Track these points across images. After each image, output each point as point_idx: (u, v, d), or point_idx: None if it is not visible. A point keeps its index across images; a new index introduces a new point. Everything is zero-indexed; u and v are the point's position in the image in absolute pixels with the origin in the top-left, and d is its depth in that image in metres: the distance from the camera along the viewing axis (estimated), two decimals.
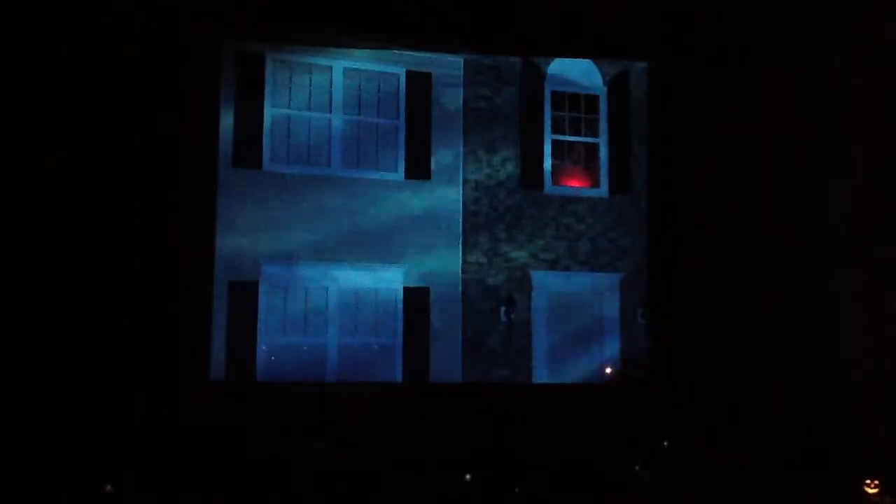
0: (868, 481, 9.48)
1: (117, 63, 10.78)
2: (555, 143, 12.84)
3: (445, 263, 12.32)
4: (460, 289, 12.32)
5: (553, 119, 12.85)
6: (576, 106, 12.98)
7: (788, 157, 11.50)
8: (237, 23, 11.59)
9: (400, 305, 12.15)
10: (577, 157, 12.94)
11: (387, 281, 12.13)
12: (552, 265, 12.61)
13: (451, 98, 12.52)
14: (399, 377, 12.07)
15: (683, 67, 12.37)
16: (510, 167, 12.62)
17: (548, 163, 12.78)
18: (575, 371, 12.56)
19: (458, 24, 11.85)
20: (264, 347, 11.67)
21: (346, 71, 12.23)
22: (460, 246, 12.38)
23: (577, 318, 12.66)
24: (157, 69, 11.03)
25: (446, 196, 12.39)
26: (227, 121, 11.67)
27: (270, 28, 11.71)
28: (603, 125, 12.98)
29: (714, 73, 12.11)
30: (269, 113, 11.90)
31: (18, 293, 10.09)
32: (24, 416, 9.89)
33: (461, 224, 12.40)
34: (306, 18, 11.63)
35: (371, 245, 12.07)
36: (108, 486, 9.25)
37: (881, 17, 10.36)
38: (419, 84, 12.41)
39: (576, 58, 12.85)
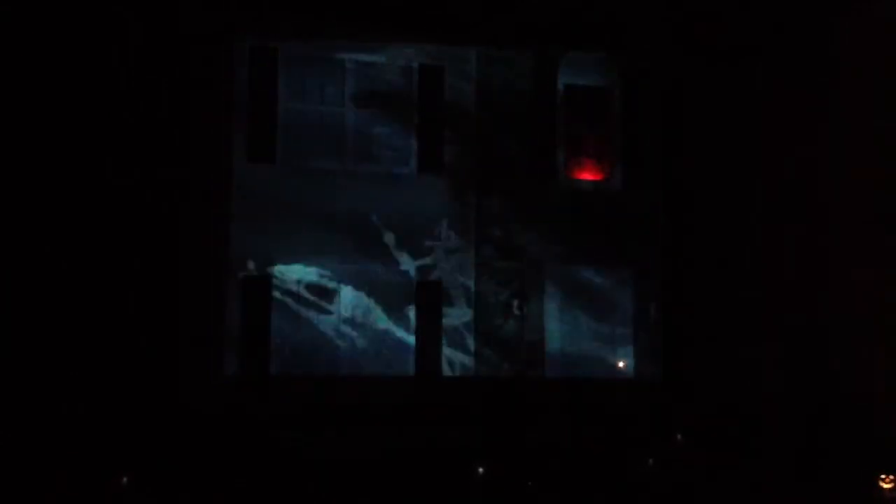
0: (883, 476, 9.45)
1: (129, 58, 10.84)
2: (568, 135, 12.78)
3: (459, 257, 12.31)
4: (473, 282, 12.30)
5: (566, 111, 12.79)
6: (590, 98, 12.92)
7: (798, 152, 11.47)
8: (248, 15, 11.63)
9: (413, 299, 12.15)
10: (591, 150, 12.88)
11: (400, 275, 12.13)
12: (565, 258, 12.58)
13: (464, 91, 12.49)
14: (412, 371, 12.09)
15: (692, 62, 12.35)
16: (524, 159, 12.57)
17: (561, 155, 12.73)
18: (588, 365, 12.55)
19: (467, 16, 11.87)
20: (278, 341, 11.70)
21: (358, 64, 12.22)
22: (473, 239, 12.36)
23: (591, 311, 12.63)
24: (170, 63, 11.08)
25: (459, 189, 12.37)
26: (241, 115, 11.71)
27: (281, 21, 11.74)
28: (617, 118, 12.92)
29: (722, 67, 12.08)
30: (282, 107, 11.91)
31: (37, 290, 10.17)
32: (37, 410, 9.97)
33: (475, 217, 12.38)
34: (316, 12, 11.66)
35: (383, 239, 12.07)
36: (124, 479, 9.32)
37: (884, 9, 10.34)
38: (432, 77, 12.38)
39: (585, 51, 12.81)
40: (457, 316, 12.25)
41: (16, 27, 10.28)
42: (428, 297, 12.17)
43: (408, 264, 12.16)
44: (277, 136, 11.88)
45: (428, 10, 11.70)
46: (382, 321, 12.07)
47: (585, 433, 11.35)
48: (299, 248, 11.82)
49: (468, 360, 12.24)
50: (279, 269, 11.77)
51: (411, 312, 12.15)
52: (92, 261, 10.49)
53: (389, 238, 12.09)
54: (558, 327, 12.52)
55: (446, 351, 12.19)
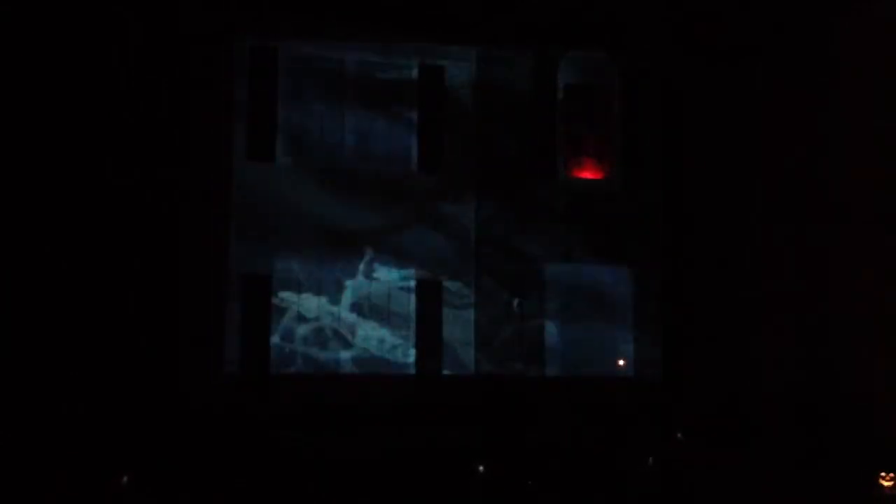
0: (883, 474, 9.44)
1: (129, 58, 10.84)
2: (568, 135, 12.77)
3: (458, 256, 12.30)
4: (473, 281, 12.29)
5: (566, 111, 12.79)
6: (590, 98, 12.91)
7: (798, 152, 11.47)
8: (248, 15, 11.63)
9: (413, 298, 12.14)
10: (591, 150, 12.87)
11: (401, 273, 12.13)
12: (565, 258, 12.57)
13: (464, 90, 12.49)
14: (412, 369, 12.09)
15: (692, 62, 12.35)
16: (524, 159, 12.56)
17: (561, 155, 12.72)
18: (588, 365, 12.54)
19: (467, 16, 11.87)
20: (278, 340, 11.70)
21: (358, 64, 12.22)
22: (473, 238, 12.35)
23: (591, 310, 12.63)
24: (170, 63, 11.09)
25: (460, 187, 12.36)
26: (241, 115, 11.71)
27: (281, 21, 11.74)
28: (617, 118, 12.91)
29: (722, 67, 12.09)
30: (282, 107, 11.91)
31: (37, 290, 10.18)
32: (37, 410, 9.97)
33: (475, 216, 12.37)
34: (316, 12, 11.67)
35: (384, 236, 12.06)
36: (124, 479, 9.32)
37: (884, 9, 10.35)
38: (432, 77, 12.38)
39: (585, 51, 12.80)
40: (457, 315, 12.25)
41: (16, 27, 10.28)
42: (428, 297, 12.17)
43: (408, 262, 12.16)
44: (277, 136, 11.88)
45: (428, 10, 11.71)
46: (385, 320, 12.07)
47: (585, 433, 11.34)
48: (298, 247, 11.82)
49: (468, 360, 12.25)
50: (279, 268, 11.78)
51: (412, 311, 12.15)
52: (92, 261, 10.49)
53: (390, 236, 12.08)
54: (558, 327, 12.52)
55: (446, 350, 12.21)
